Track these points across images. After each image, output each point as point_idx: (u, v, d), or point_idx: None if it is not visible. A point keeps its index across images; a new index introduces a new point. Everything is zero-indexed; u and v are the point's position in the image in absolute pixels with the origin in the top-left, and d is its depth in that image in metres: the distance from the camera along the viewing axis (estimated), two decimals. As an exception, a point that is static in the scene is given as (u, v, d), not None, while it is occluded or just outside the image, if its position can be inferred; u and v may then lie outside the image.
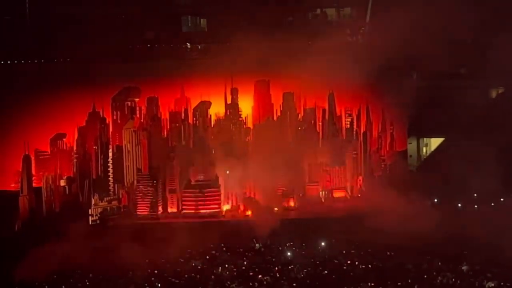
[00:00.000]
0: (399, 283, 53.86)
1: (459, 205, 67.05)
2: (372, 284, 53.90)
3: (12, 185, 69.11)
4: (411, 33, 66.52)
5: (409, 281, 54.17)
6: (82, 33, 69.59)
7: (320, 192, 69.99)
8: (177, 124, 70.46)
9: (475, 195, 66.63)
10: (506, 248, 55.72)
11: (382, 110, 72.47)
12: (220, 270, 57.68)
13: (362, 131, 72.06)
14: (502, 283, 52.89)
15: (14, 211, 66.29)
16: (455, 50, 71.17)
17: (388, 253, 58.88)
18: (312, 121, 71.68)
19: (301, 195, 69.32)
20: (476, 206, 66.41)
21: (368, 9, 74.36)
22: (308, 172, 70.07)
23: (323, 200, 69.96)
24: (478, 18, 67.95)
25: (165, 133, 70.63)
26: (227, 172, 68.52)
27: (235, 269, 57.75)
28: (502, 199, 66.26)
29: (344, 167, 70.50)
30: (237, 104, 71.15)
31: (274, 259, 59.47)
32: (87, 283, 55.88)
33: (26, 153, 67.33)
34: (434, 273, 55.10)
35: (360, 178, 71.34)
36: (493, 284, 53.05)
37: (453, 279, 54.21)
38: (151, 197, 67.54)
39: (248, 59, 67.78)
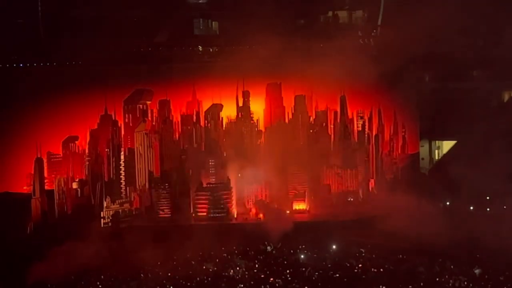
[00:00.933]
0: (410, 286, 53.68)
1: (471, 208, 66.78)
2: (384, 287, 53.73)
3: (25, 187, 69.31)
4: (423, 36, 66.39)
5: (421, 284, 53.97)
6: (94, 36, 69.67)
7: (332, 195, 69.84)
8: (189, 127, 70.57)
9: (487, 198, 66.40)
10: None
11: (394, 113, 72.34)
12: (231, 273, 57.68)
13: (374, 133, 71.91)
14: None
15: (27, 213, 66.49)
16: (468, 53, 71.06)
17: (399, 256, 58.69)
18: (324, 124, 71.60)
19: (312, 197, 69.22)
20: (488, 209, 66.15)
21: (380, 12, 74.22)
22: (320, 175, 69.98)
23: (335, 203, 69.80)
24: (492, 22, 67.87)
25: (177, 136, 70.72)
26: (239, 174, 68.50)
27: (246, 272, 57.71)
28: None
29: (356, 170, 70.31)
30: (249, 107, 71.13)
31: (285, 262, 59.41)
32: (99, 285, 55.96)
33: (38, 155, 67.50)
34: (446, 276, 54.88)
35: (372, 181, 71.16)
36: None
37: (465, 282, 53.97)
38: (163, 200, 67.57)
39: (259, 62, 67.82)
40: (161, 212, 67.53)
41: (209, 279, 56.70)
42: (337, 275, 56.64)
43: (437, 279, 54.94)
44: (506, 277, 54.04)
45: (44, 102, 69.45)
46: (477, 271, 55.52)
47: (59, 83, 70.17)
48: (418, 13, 66.24)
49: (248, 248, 61.35)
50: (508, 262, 55.19)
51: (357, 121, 72.22)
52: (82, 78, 70.18)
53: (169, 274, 57.19)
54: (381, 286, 53.78)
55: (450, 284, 54.31)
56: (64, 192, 68.01)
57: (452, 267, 56.23)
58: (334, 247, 61.42)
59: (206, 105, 71.28)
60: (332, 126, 71.77)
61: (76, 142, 70.34)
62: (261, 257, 60.45)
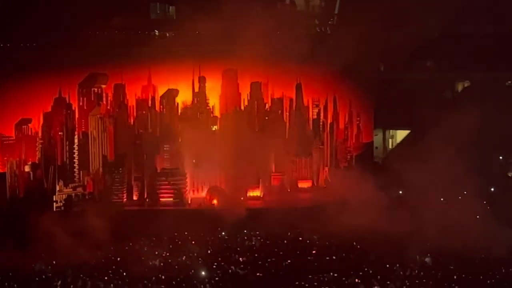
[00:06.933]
0: (361, 273, 54.06)
1: (423, 198, 67.21)
2: (335, 274, 54.00)
3: (-24, 170, 68.54)
4: (379, 26, 66.76)
5: (370, 271, 54.30)
6: (49, 18, 68.81)
7: (286, 182, 70.10)
8: (144, 112, 70.29)
9: (438, 188, 66.95)
10: (466, 239, 56.21)
11: (349, 102, 72.78)
12: (184, 259, 57.52)
13: (329, 122, 72.27)
14: (463, 275, 53.31)
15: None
16: (423, 44, 71.65)
17: (352, 244, 59.09)
18: (280, 111, 71.80)
19: (267, 184, 69.42)
20: (441, 199, 66.71)
21: (337, 1, 74.46)
22: (275, 162, 70.26)
23: (288, 190, 70.13)
24: (446, 12, 68.50)
25: (132, 120, 70.41)
26: (194, 160, 68.46)
27: (199, 258, 57.63)
28: (465, 192, 66.55)
29: (310, 158, 70.72)
30: (205, 93, 71.02)
31: (239, 248, 59.47)
32: (50, 269, 55.49)
33: (-10, 138, 66.85)
34: (398, 264, 55.31)
35: (326, 168, 71.60)
36: (455, 276, 53.43)
37: (416, 271, 54.46)
38: (117, 185, 67.25)
39: (216, 48, 67.73)
40: (114, 197, 67.25)
41: (161, 264, 56.47)
42: (289, 261, 56.81)
43: (388, 266, 55.31)
44: (455, 265, 54.71)
45: (-4, 84, 68.67)
46: (427, 259, 56.07)
47: (13, 65, 69.24)
48: (375, 3, 66.57)
49: (201, 234, 61.30)
50: (457, 251, 55.81)
51: (312, 109, 72.57)
52: (36, 61, 69.29)
53: (119, 259, 56.91)
54: (331, 273, 54.02)
55: (401, 272, 54.65)
56: (16, 175, 67.31)
57: (403, 255, 56.71)
58: (287, 234, 61.64)
59: (161, 90, 70.96)
60: (287, 113, 71.95)
61: (29, 124, 69.48)
62: (215, 243, 60.45)
